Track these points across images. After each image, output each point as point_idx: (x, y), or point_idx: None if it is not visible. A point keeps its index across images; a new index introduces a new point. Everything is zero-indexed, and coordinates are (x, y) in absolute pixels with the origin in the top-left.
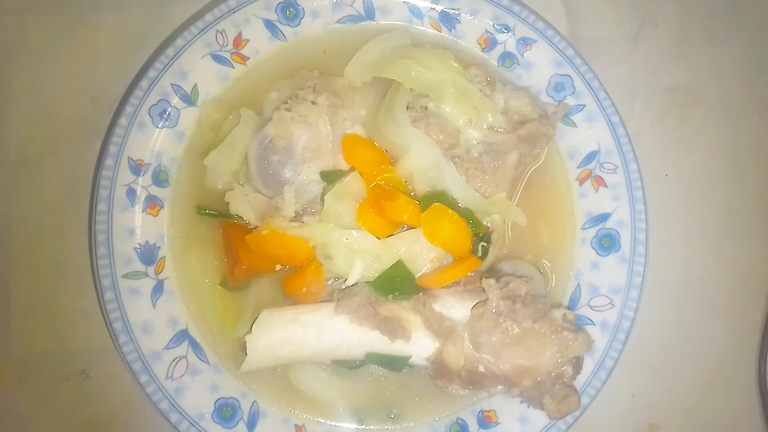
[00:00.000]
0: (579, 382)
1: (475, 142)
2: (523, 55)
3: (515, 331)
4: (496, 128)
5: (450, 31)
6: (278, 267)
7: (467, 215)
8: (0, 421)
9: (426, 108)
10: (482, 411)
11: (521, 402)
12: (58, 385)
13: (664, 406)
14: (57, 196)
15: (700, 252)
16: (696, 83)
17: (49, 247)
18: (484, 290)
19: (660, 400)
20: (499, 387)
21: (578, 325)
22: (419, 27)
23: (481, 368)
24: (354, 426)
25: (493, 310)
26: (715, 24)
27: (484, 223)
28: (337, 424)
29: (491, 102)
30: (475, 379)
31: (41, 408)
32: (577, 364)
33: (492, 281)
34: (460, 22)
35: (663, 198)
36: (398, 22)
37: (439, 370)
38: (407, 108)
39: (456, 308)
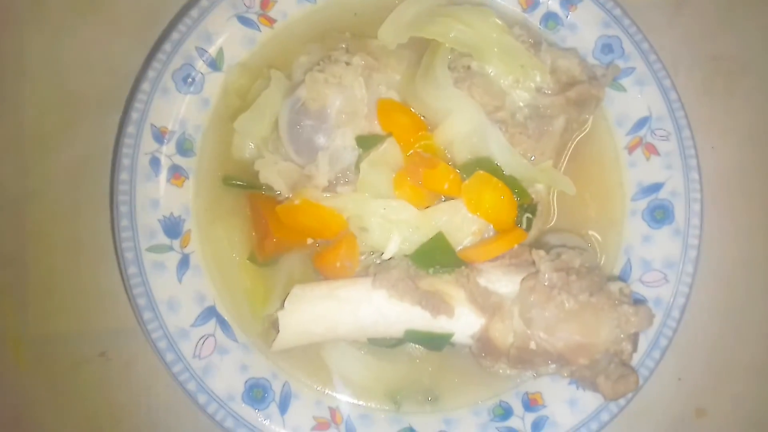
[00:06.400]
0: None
1: (521, 104)
2: (567, 16)
3: (570, 305)
4: (543, 90)
5: None
6: (310, 241)
7: (512, 184)
8: (16, 406)
9: (469, 67)
10: (527, 393)
11: (569, 383)
12: (77, 367)
13: (712, 390)
14: (74, 170)
15: (751, 230)
16: (743, 51)
17: (66, 223)
18: (532, 263)
19: (708, 385)
20: (551, 366)
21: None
22: None
23: (532, 345)
24: (390, 408)
25: (546, 283)
26: None
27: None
28: (373, 406)
29: (539, 60)
30: (525, 358)
31: (58, 391)
32: (635, 341)
33: (542, 252)
34: None
35: (710, 172)
36: None
37: (484, 348)
38: (448, 68)
39: (502, 282)
